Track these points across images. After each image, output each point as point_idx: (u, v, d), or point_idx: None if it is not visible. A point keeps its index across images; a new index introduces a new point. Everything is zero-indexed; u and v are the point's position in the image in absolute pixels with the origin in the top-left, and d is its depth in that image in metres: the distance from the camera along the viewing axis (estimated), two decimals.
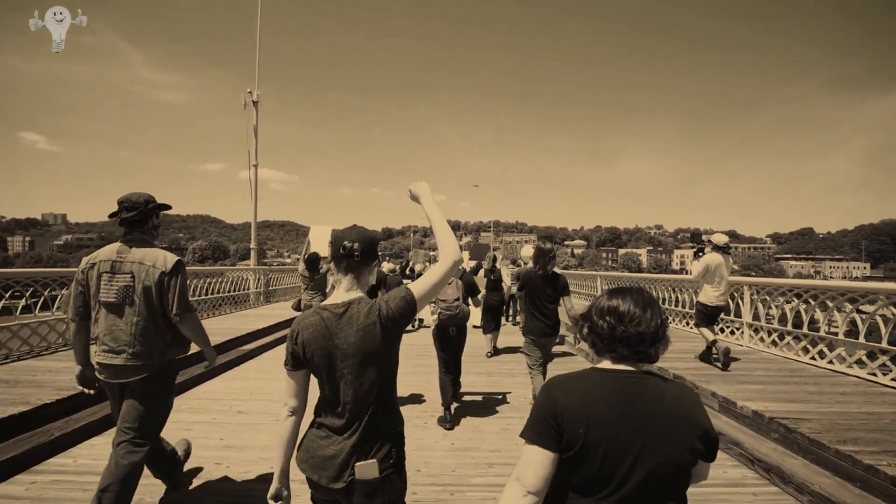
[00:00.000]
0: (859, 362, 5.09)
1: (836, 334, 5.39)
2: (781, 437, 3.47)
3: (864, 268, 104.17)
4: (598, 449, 1.09)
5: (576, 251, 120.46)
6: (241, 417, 4.28)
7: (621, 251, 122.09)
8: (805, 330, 5.93)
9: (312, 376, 1.54)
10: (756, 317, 6.82)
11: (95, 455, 3.37)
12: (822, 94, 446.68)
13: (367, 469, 1.42)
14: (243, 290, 11.84)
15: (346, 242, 1.50)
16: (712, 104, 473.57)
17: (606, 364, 1.23)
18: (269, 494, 1.55)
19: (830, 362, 5.42)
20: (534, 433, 1.15)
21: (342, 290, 1.53)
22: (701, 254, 5.78)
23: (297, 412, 1.54)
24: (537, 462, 1.13)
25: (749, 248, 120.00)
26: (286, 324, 9.14)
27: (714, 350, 5.45)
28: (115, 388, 2.41)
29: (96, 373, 2.42)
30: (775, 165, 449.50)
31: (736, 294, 7.20)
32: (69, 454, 3.44)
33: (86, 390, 2.49)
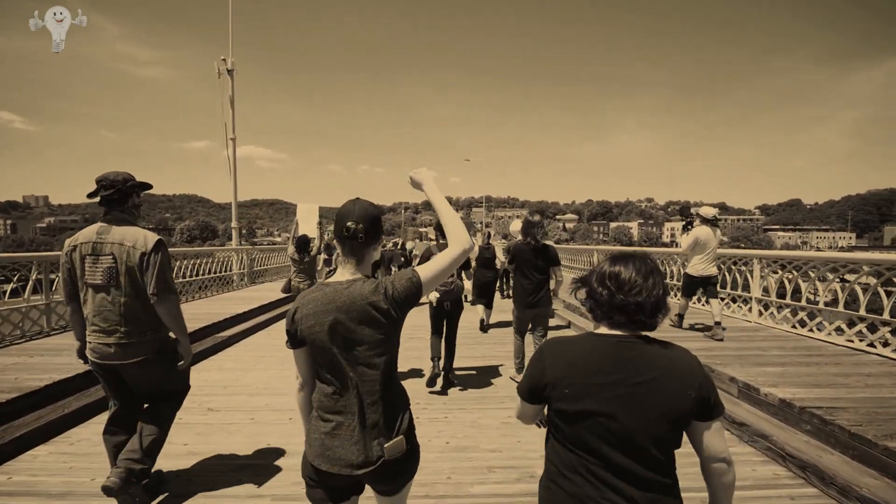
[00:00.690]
0: (884, 342, 4.76)
1: (858, 310, 5.05)
2: (815, 430, 3.11)
3: (850, 237, 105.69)
4: (587, 413, 1.14)
5: (567, 225, 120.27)
6: (212, 416, 3.83)
7: (612, 224, 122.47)
8: (822, 306, 5.60)
9: None
10: (766, 292, 6.48)
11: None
12: (812, 67, 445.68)
13: (395, 447, 1.42)
14: (226, 271, 11.22)
15: (348, 223, 1.43)
16: (702, 78, 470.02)
17: (603, 329, 1.23)
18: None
19: (850, 340, 5.11)
20: (525, 392, 1.29)
21: (347, 271, 1.48)
22: (690, 227, 5.81)
23: (307, 385, 1.53)
24: (525, 409, 1.34)
25: (738, 220, 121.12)
26: (269, 307, 8.68)
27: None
28: (108, 369, 2.41)
29: (88, 354, 2.40)
30: (764, 138, 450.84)
31: (745, 268, 6.89)
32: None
33: (85, 364, 2.51)
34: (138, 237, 2.35)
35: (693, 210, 5.97)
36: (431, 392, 4.41)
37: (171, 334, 2.53)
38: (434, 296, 4.39)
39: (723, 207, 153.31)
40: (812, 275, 5.88)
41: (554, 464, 1.23)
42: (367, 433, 1.41)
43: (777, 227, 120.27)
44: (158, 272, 2.35)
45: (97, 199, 2.39)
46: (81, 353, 2.49)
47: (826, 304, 5.60)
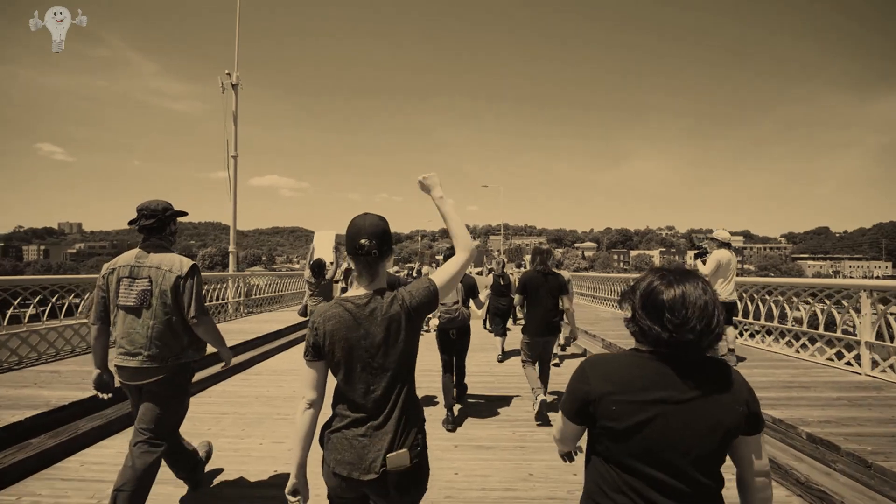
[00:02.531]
0: None
1: None
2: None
3: (886, 266, 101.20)
4: (636, 430, 1.09)
5: (587, 253, 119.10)
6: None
7: (633, 253, 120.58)
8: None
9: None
10: (813, 325, 6.02)
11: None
12: (832, 94, 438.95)
13: (398, 459, 1.43)
14: (220, 299, 10.26)
15: (362, 241, 1.47)
16: (720, 105, 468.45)
17: (645, 346, 1.16)
18: (286, 489, 1.52)
19: None
20: (569, 410, 1.21)
21: (363, 286, 1.52)
22: (704, 254, 5.67)
23: (316, 405, 1.53)
24: (565, 428, 1.26)
25: (765, 249, 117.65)
26: (260, 341, 7.71)
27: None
28: (132, 389, 2.48)
29: (115, 375, 2.49)
30: (787, 165, 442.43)
31: (782, 297, 6.48)
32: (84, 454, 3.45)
33: (101, 395, 2.55)
34: (174, 262, 2.47)
35: (710, 237, 5.71)
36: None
37: (195, 359, 2.63)
38: (434, 322, 4.40)
39: (747, 235, 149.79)
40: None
41: (596, 483, 1.18)
42: (375, 442, 1.44)
43: (806, 255, 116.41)
44: (196, 296, 2.47)
45: (136, 227, 2.53)
46: (99, 382, 2.51)
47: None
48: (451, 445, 3.67)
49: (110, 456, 3.39)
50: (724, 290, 5.34)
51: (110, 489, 2.32)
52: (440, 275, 1.54)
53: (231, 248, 12.54)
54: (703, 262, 5.54)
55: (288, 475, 1.53)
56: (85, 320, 6.32)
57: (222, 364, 2.81)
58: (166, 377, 2.45)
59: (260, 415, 4.41)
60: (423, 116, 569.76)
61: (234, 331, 8.11)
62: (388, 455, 1.42)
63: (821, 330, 5.72)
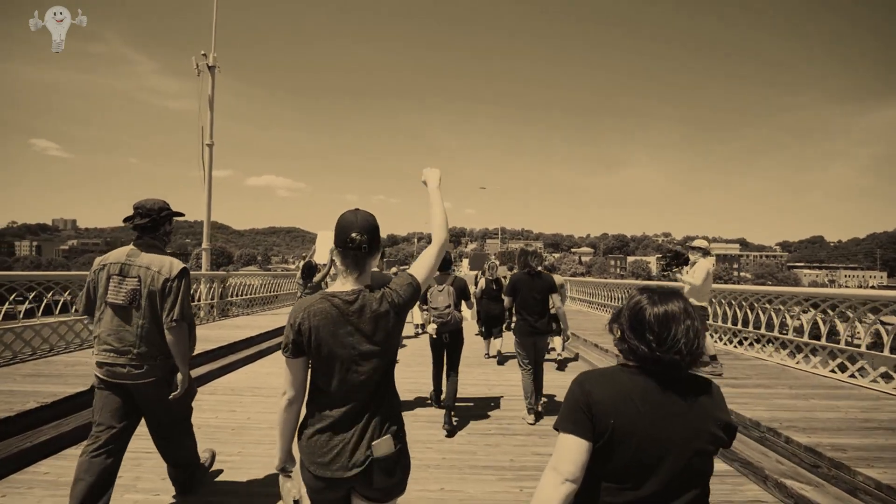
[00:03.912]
0: None
1: None
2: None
3: (881, 276, 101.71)
4: (628, 441, 1.11)
5: (583, 258, 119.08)
6: None
7: (630, 259, 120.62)
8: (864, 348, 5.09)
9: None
10: (816, 335, 5.95)
11: None
12: (827, 104, 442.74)
13: (383, 445, 1.43)
14: (193, 301, 9.08)
15: (353, 234, 1.46)
16: (716, 113, 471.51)
17: (633, 363, 1.20)
18: (276, 467, 1.59)
19: None
20: (568, 423, 1.17)
21: (350, 280, 1.50)
22: (682, 264, 5.65)
23: (297, 401, 1.52)
24: (573, 450, 1.13)
25: (761, 257, 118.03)
26: (224, 351, 6.61)
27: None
28: (114, 388, 2.41)
29: (97, 372, 2.42)
30: (781, 174, 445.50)
31: (783, 307, 6.43)
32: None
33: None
34: (164, 263, 2.44)
35: (691, 244, 5.67)
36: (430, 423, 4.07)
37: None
38: (432, 328, 4.35)
39: (742, 243, 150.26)
40: (851, 315, 5.40)
41: (580, 495, 1.17)
42: (360, 436, 1.43)
43: (802, 264, 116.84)
44: (181, 300, 2.43)
45: (131, 225, 2.50)
46: None
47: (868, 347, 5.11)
48: (440, 458, 3.49)
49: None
50: (704, 299, 5.38)
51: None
52: (418, 269, 1.57)
53: (204, 244, 11.44)
54: (674, 273, 5.53)
55: None
56: (65, 319, 6.15)
57: (174, 393, 2.48)
58: (158, 379, 2.43)
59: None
60: (422, 119, 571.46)
61: (199, 338, 7.33)
62: (372, 443, 1.42)
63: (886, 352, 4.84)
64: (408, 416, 3.86)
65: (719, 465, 3.38)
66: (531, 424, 4.26)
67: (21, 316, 5.62)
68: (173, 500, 2.82)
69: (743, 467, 3.31)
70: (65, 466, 3.22)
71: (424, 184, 1.74)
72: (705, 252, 5.51)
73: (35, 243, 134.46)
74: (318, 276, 6.68)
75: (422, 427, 4.15)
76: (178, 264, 2.48)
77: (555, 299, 4.41)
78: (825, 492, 2.81)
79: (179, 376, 2.50)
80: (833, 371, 5.39)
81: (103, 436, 2.37)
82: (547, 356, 6.47)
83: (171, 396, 2.47)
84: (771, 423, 3.57)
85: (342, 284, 1.50)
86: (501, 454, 3.62)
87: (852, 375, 5.17)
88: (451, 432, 3.99)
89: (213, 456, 3.22)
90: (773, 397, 4.44)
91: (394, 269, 10.36)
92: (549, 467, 1.14)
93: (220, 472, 3.20)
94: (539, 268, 4.46)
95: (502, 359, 7.21)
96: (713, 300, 7.20)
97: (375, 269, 1.73)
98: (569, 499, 1.12)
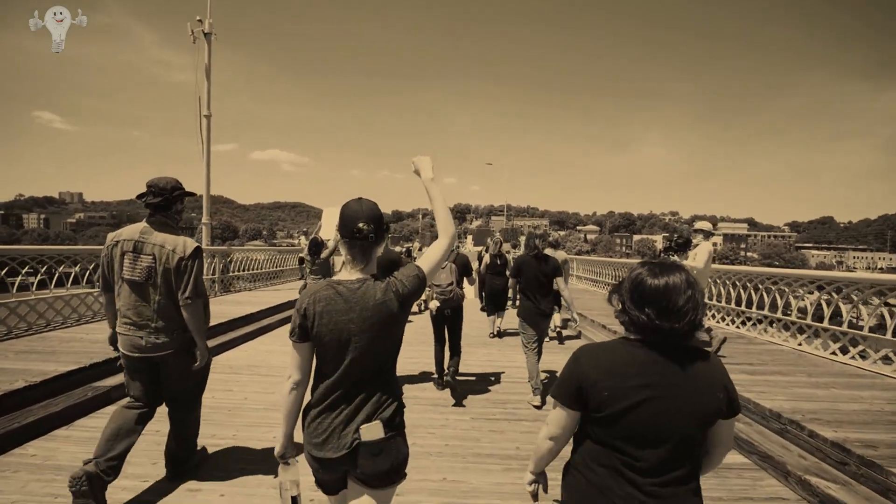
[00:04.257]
0: None
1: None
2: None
3: (891, 258, 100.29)
4: (627, 413, 1.15)
5: (589, 236, 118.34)
6: None
7: (636, 237, 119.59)
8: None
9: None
10: (819, 317, 5.77)
11: None
12: (842, 83, 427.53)
13: (371, 430, 1.44)
14: None
15: (360, 224, 1.47)
16: (728, 92, 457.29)
17: (634, 336, 1.23)
18: (276, 453, 1.59)
19: None
20: (560, 395, 1.26)
21: (356, 269, 1.52)
22: (685, 246, 5.31)
23: (302, 384, 1.55)
24: (561, 417, 1.28)
25: (769, 237, 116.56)
26: (225, 327, 6.46)
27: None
28: (136, 362, 2.52)
29: (120, 346, 2.52)
30: (792, 153, 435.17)
31: (787, 289, 6.32)
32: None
33: (115, 350, 2.62)
34: (178, 242, 2.50)
35: (696, 225, 5.50)
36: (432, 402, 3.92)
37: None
38: (434, 304, 4.40)
39: (751, 223, 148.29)
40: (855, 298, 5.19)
41: (581, 456, 1.27)
42: (349, 419, 1.45)
43: (810, 245, 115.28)
44: (194, 278, 2.50)
45: (143, 202, 2.53)
46: (113, 340, 2.62)
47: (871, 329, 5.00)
48: (442, 445, 3.35)
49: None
50: (704, 279, 5.44)
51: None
52: (426, 262, 1.56)
53: (204, 219, 11.25)
54: (679, 255, 5.17)
55: None
56: (62, 293, 6.05)
57: (195, 364, 2.63)
58: (178, 349, 2.53)
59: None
60: (428, 96, 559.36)
61: None
62: (361, 427, 1.43)
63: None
64: (409, 399, 3.69)
65: (737, 458, 3.21)
66: (537, 408, 4.14)
67: (14, 290, 5.48)
68: (162, 485, 2.70)
69: (762, 461, 3.13)
70: (53, 448, 3.11)
71: (417, 174, 1.67)
72: (707, 234, 5.43)
73: (43, 216, 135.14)
74: (325, 253, 6.60)
75: (423, 410, 4.02)
76: (191, 243, 2.53)
77: (559, 283, 4.42)
78: (853, 491, 2.63)
79: (198, 349, 2.63)
80: (853, 358, 5.18)
81: (136, 401, 2.60)
82: (550, 336, 6.60)
83: (194, 367, 2.61)
84: (793, 415, 3.38)
85: (349, 274, 1.52)
86: (507, 441, 3.47)
87: (874, 363, 4.95)
88: (443, 388, 4.38)
89: (205, 450, 3.06)
90: (791, 386, 4.25)
91: (397, 248, 10.19)
92: (545, 423, 1.33)
93: (212, 455, 3.08)
94: (549, 249, 4.50)
95: (502, 334, 7.51)
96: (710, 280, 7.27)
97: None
98: (552, 451, 1.33)
